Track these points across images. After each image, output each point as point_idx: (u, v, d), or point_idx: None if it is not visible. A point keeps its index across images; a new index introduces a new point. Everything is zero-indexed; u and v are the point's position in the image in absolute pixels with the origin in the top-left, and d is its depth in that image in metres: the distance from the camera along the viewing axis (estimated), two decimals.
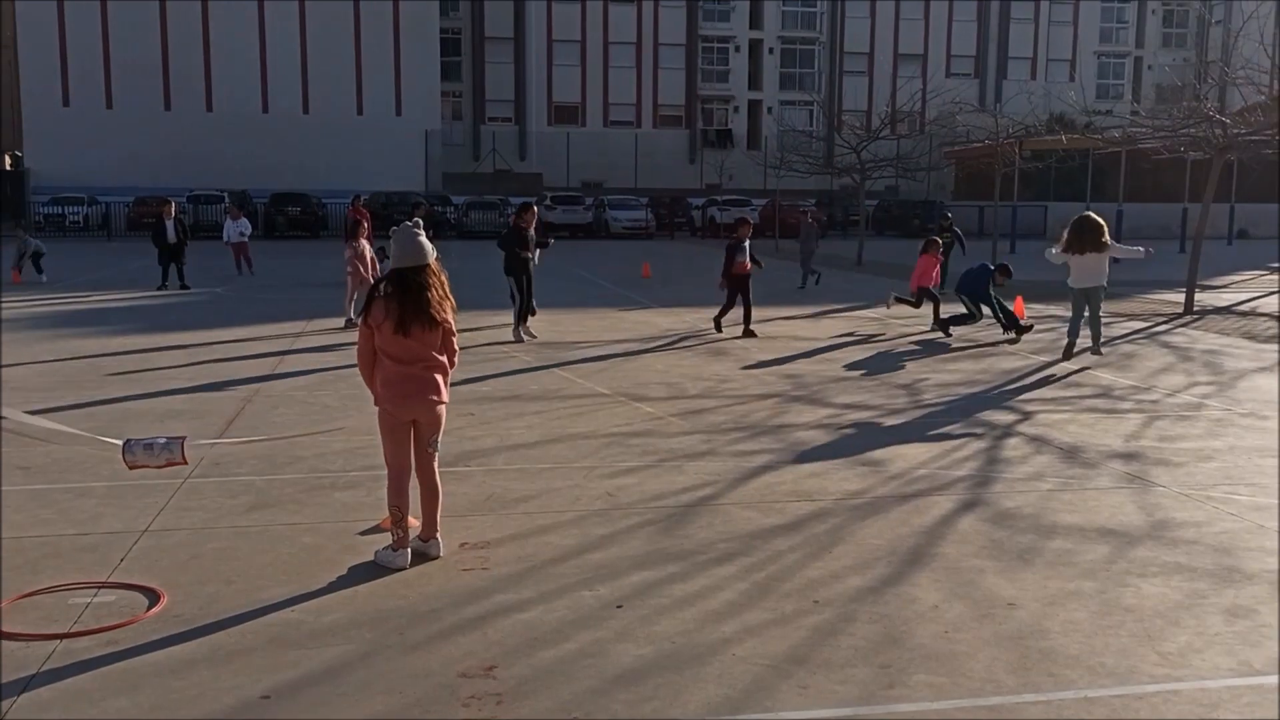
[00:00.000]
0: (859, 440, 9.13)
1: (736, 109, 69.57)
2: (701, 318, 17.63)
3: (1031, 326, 15.66)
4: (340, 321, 16.41)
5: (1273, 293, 23.80)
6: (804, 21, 69.33)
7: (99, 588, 5.55)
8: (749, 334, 15.57)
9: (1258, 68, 22.28)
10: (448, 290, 6.05)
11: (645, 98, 67.17)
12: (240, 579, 5.70)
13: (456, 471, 7.76)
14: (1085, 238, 13.35)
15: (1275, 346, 15.22)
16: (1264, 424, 9.97)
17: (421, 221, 6.30)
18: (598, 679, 4.57)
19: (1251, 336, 16.31)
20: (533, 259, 15.34)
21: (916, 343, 15.37)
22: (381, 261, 15.91)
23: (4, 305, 18.82)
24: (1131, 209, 41.64)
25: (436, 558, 6.05)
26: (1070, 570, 5.94)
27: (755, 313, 15.94)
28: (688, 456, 8.49)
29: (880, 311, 19.22)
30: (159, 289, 22.13)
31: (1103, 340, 13.77)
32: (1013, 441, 9.13)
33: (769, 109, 68.34)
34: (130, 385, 11.44)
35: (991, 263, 16.95)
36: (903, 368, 13.15)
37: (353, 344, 6.70)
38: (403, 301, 5.84)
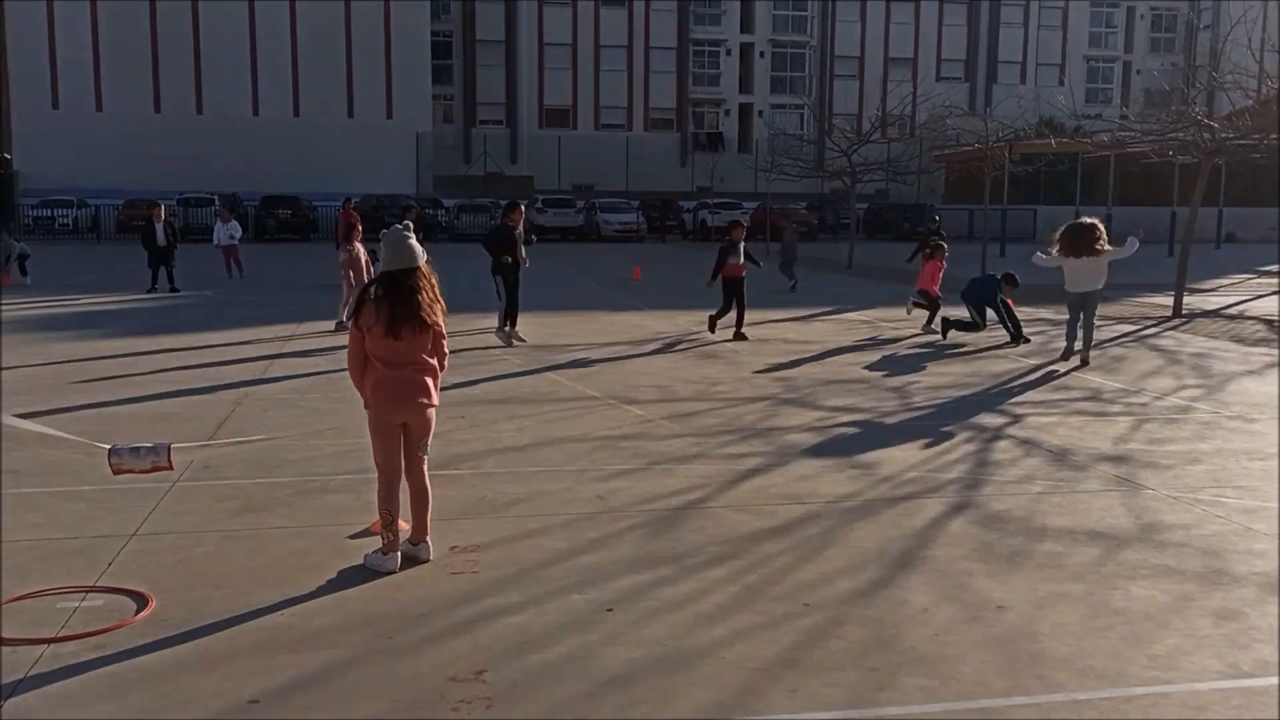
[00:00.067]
0: (850, 443, 9.14)
1: (727, 112, 69.64)
2: (692, 320, 17.64)
3: (1029, 340, 15.62)
4: (331, 324, 16.38)
5: (1261, 296, 23.89)
6: (795, 25, 69.43)
7: (87, 591, 5.53)
8: (740, 337, 15.58)
9: (1245, 72, 22.37)
10: (438, 293, 6.05)
11: (636, 101, 67.20)
12: (229, 583, 5.68)
13: (447, 475, 7.75)
14: (1081, 242, 13.36)
15: (1263, 349, 15.27)
16: (1251, 427, 10.01)
17: (412, 224, 6.30)
18: (588, 683, 4.57)
19: (1240, 340, 16.37)
20: (523, 260, 15.19)
21: (908, 346, 15.39)
22: (375, 264, 15.87)
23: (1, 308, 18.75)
24: (1120, 212, 41.69)
25: (426, 561, 6.04)
26: (1060, 573, 5.95)
27: (746, 316, 15.94)
28: (678, 459, 8.49)
29: (871, 314, 19.25)
30: (148, 292, 22.07)
31: (1092, 345, 13.81)
32: (1002, 444, 9.15)
33: (760, 112, 68.43)
34: (119, 389, 11.40)
35: (984, 268, 16.97)
36: (893, 371, 13.17)
37: (343, 347, 6.69)
38: (393, 304, 5.83)
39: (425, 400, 5.97)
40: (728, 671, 4.68)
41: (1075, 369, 13.23)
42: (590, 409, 10.53)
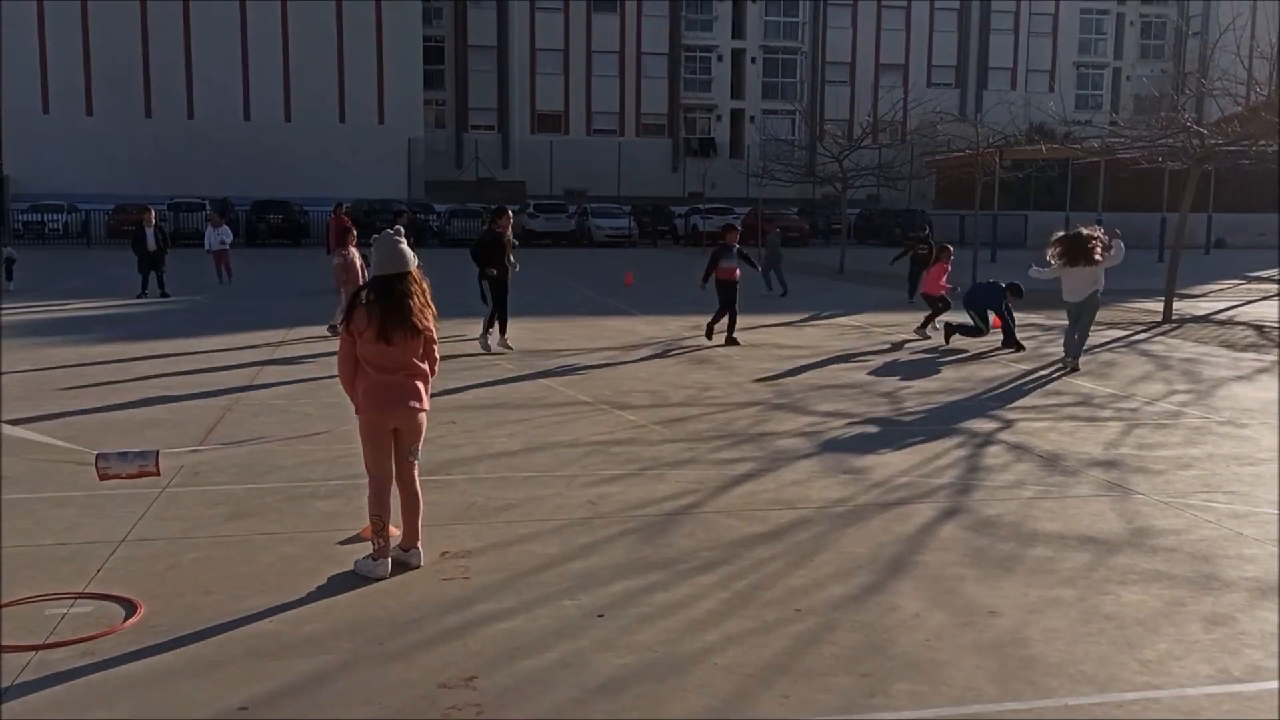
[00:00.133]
0: (841, 448, 9.14)
1: (719, 118, 69.72)
2: (684, 325, 17.65)
3: (1024, 347, 15.62)
4: (324, 329, 16.34)
5: (1250, 301, 23.96)
6: (786, 31, 69.57)
7: (76, 598, 5.51)
8: (732, 342, 15.58)
9: (1234, 79, 22.45)
10: (429, 298, 6.04)
11: (628, 106, 67.26)
12: (219, 589, 5.66)
13: (438, 480, 7.74)
14: (1079, 252, 13.46)
15: (1253, 355, 15.31)
16: (1242, 432, 10.03)
17: (403, 229, 6.29)
18: (579, 689, 4.56)
19: (1230, 345, 16.41)
20: (512, 264, 15.03)
21: (899, 351, 15.40)
22: (368, 269, 15.82)
23: None
24: (1110, 218, 41.71)
25: (417, 567, 6.02)
26: (1051, 578, 5.95)
27: (738, 321, 15.93)
28: (670, 465, 8.48)
29: (862, 319, 19.27)
30: (139, 297, 22.02)
31: (1082, 352, 13.84)
32: (993, 449, 9.16)
33: (751, 118, 68.49)
34: (109, 394, 11.37)
35: (975, 274, 16.96)
36: (885, 375, 13.18)
37: (333, 353, 6.68)
38: (385, 309, 5.82)
39: (417, 405, 5.96)
40: (719, 677, 4.67)
41: (1067, 374, 13.26)
42: (582, 414, 10.52)
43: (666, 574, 5.97)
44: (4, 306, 19.98)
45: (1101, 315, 19.41)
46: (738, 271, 15.82)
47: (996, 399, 11.66)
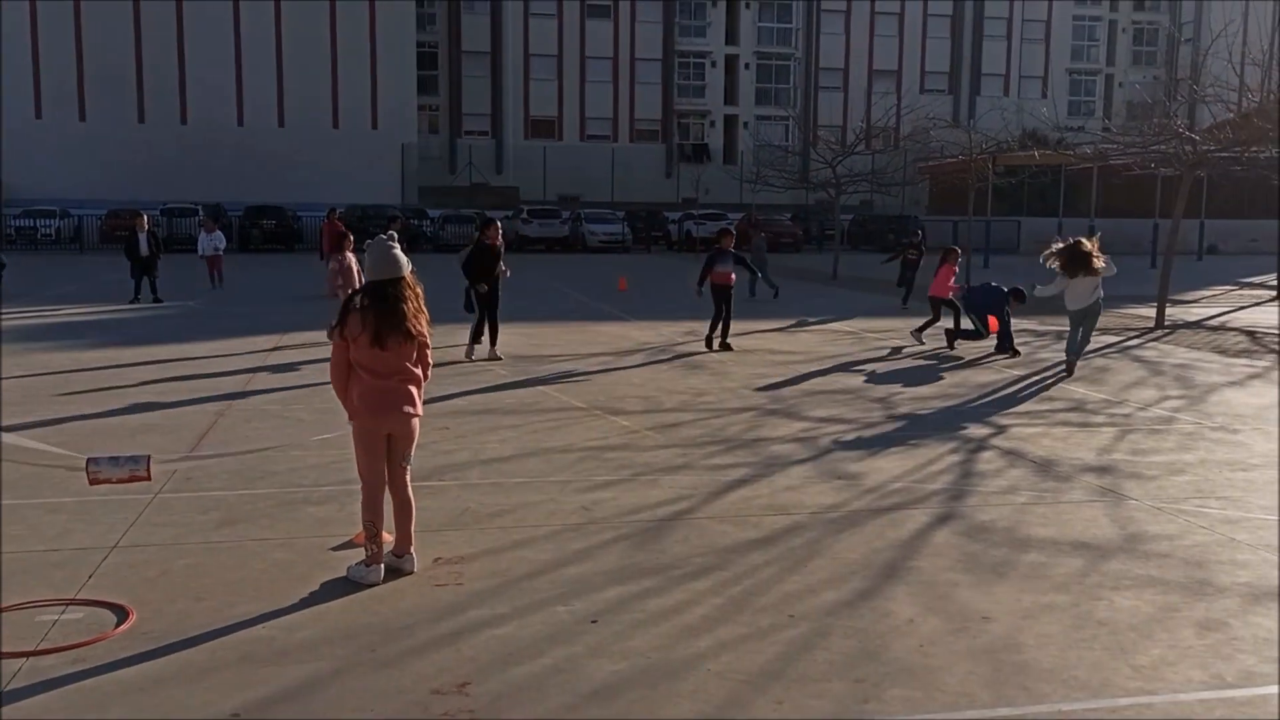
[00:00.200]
0: (834, 454, 9.14)
1: (713, 124, 69.79)
2: (678, 331, 17.65)
3: (1019, 352, 15.65)
4: (322, 333, 16.29)
5: (1243, 307, 24.01)
6: (779, 38, 69.66)
7: (67, 604, 5.49)
8: (725, 347, 15.58)
9: (1226, 85, 22.54)
10: (423, 303, 6.05)
11: (622, 112, 67.30)
12: (211, 595, 5.65)
13: (430, 486, 7.72)
14: (1077, 264, 13.63)
15: (1245, 361, 15.34)
16: (1234, 438, 10.05)
17: (396, 234, 6.29)
18: (572, 695, 4.55)
19: (1222, 351, 16.45)
20: (503, 271, 14.82)
21: (892, 356, 15.41)
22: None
23: None
24: (1103, 224, 41.82)
25: (410, 573, 6.01)
26: (1044, 584, 5.95)
27: (731, 326, 15.93)
28: (663, 470, 8.47)
29: (856, 324, 19.28)
30: (131, 302, 21.97)
31: (1081, 355, 13.93)
32: (987, 455, 9.17)
33: (745, 124, 68.60)
34: (101, 400, 11.34)
35: (968, 279, 16.93)
36: (878, 381, 13.19)
37: (327, 358, 6.67)
38: (379, 314, 5.82)
39: (410, 409, 5.96)
40: (713, 683, 4.67)
41: (1066, 377, 13.30)
42: (575, 420, 10.52)
43: (660, 580, 5.96)
44: (1, 312, 19.94)
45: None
46: (733, 276, 15.83)
47: (990, 404, 11.67)
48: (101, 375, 12.96)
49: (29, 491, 7.53)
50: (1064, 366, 13.94)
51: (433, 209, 50.90)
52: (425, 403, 6.25)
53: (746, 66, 69.46)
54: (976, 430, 10.21)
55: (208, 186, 50.40)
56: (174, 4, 53.36)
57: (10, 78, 51.85)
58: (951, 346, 15.91)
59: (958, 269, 17.04)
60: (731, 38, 69.01)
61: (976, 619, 5.43)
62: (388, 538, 6.09)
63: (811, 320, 20.06)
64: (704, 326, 15.98)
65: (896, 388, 12.70)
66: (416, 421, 6.05)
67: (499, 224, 15.10)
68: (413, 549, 6.09)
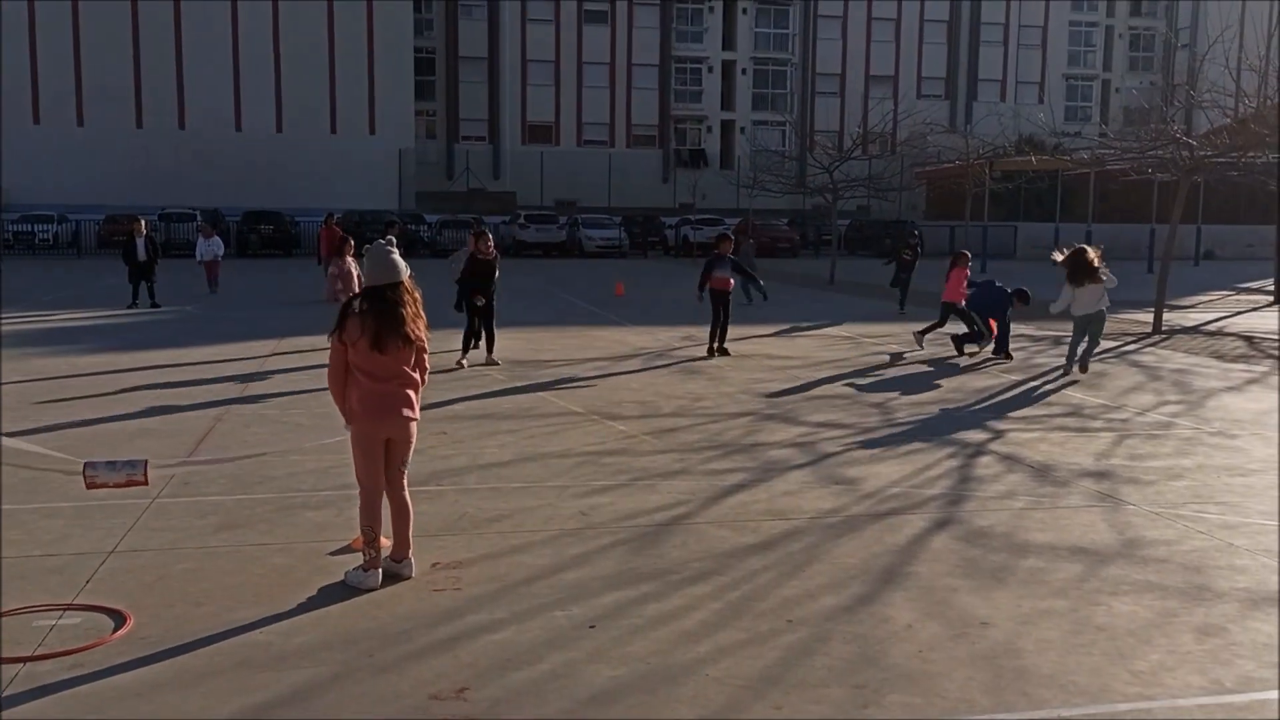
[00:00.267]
0: (832, 459, 9.14)
1: (710, 129, 69.90)
2: (675, 336, 17.65)
3: (1011, 356, 15.66)
4: (319, 339, 16.28)
5: (1240, 312, 24.03)
6: (776, 43, 69.79)
7: (64, 610, 5.47)
8: (723, 352, 15.58)
9: (1223, 91, 22.57)
10: (420, 308, 6.05)
11: (619, 117, 67.39)
12: (209, 600, 5.64)
13: (428, 491, 7.72)
14: (1081, 272, 13.90)
15: (1242, 366, 15.35)
16: (1232, 443, 10.05)
17: (395, 240, 6.29)
18: (571, 700, 4.54)
19: (1219, 356, 16.45)
20: (495, 288, 14.53)
21: (890, 361, 15.41)
22: None
23: None
24: (1100, 230, 42.03)
25: (408, 578, 6.00)
26: (1043, 589, 5.95)
27: (728, 331, 15.93)
28: (661, 475, 8.47)
29: (853, 329, 19.29)
30: (129, 307, 21.96)
31: (1087, 359, 14.05)
32: (985, 460, 9.16)
33: (742, 129, 68.74)
34: (99, 405, 11.33)
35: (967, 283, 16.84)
36: (876, 386, 13.19)
37: (324, 365, 6.66)
38: (378, 318, 5.83)
39: (409, 413, 5.97)
40: (712, 689, 4.66)
41: (1071, 382, 13.33)
42: (573, 424, 10.51)
43: (658, 585, 5.95)
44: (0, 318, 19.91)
45: None
46: (731, 281, 15.82)
47: (987, 409, 11.67)
48: (99, 380, 12.94)
49: (26, 496, 7.51)
50: (1061, 370, 14.00)
51: (430, 214, 50.98)
52: (423, 408, 6.25)
53: (743, 72, 69.57)
54: (974, 435, 10.21)
55: (206, 192, 50.44)
56: (172, 11, 53.43)
57: (9, 84, 51.88)
58: (961, 353, 15.85)
59: (969, 273, 16.96)
60: (728, 43, 69.13)
61: (975, 624, 5.42)
62: (386, 543, 6.08)
63: (815, 324, 20.07)
64: (700, 331, 15.99)
65: (894, 392, 12.70)
66: (414, 425, 6.05)
67: (489, 234, 14.90)
68: (411, 554, 6.08)
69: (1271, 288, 27.31)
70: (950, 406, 11.80)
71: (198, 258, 26.80)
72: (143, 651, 4.97)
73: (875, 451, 9.45)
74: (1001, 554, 6.55)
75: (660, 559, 6.41)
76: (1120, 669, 4.91)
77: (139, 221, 23.36)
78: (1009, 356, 15.46)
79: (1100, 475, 8.66)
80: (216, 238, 27.14)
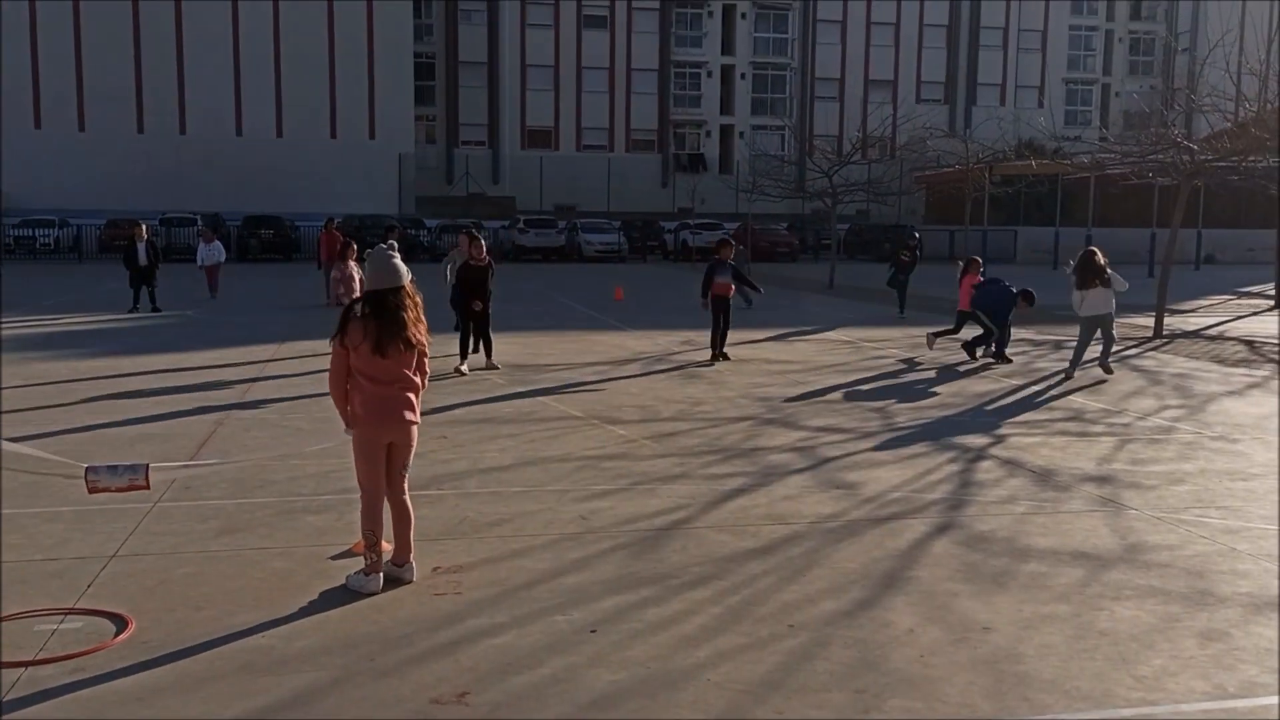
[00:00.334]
0: (833, 463, 9.13)
1: (709, 133, 69.94)
2: (674, 340, 17.65)
3: (1011, 360, 15.66)
4: (319, 343, 16.27)
5: (1241, 317, 24.03)
6: (775, 47, 69.84)
7: (65, 614, 5.47)
8: (723, 356, 15.56)
9: (1223, 95, 22.57)
10: (421, 312, 6.06)
11: (618, 122, 67.44)
12: (209, 604, 5.63)
13: (429, 495, 7.71)
14: (1088, 275, 14.07)
15: (1244, 370, 15.35)
16: (1234, 447, 10.04)
17: (396, 244, 6.30)
18: (571, 705, 4.54)
19: (1220, 360, 16.45)
20: (491, 291, 14.44)
21: (890, 365, 15.40)
22: None
23: None
24: (1100, 234, 42.05)
25: (409, 582, 6.00)
26: (1045, 594, 5.94)
27: (728, 336, 15.92)
28: (661, 480, 8.46)
29: (852, 334, 19.28)
30: (129, 312, 21.96)
31: (1107, 360, 14.29)
32: (985, 464, 9.16)
33: (741, 133, 68.78)
34: (101, 408, 11.33)
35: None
36: (876, 390, 13.18)
37: (324, 370, 6.67)
38: (380, 323, 5.84)
39: (410, 416, 5.98)
40: (712, 693, 4.65)
41: (1077, 388, 13.33)
42: (573, 429, 10.51)
43: (658, 589, 5.95)
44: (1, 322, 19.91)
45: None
46: (732, 287, 15.81)
47: (988, 414, 11.67)
48: (100, 384, 12.94)
49: (27, 500, 7.51)
50: (1063, 375, 14.07)
51: (430, 219, 50.98)
52: (423, 412, 6.26)
53: (743, 76, 69.63)
54: (975, 439, 10.20)
55: (206, 196, 50.47)
56: (173, 15, 53.47)
57: (10, 88, 51.91)
58: (973, 357, 15.82)
59: (981, 278, 16.96)
60: (728, 48, 69.19)
61: (977, 629, 5.41)
62: (387, 547, 6.08)
63: (805, 330, 20.06)
64: (699, 336, 15.98)
65: (894, 397, 12.70)
66: (415, 429, 6.06)
67: (482, 240, 14.74)
68: (412, 558, 6.08)
69: (1272, 292, 27.32)
70: (950, 411, 11.80)
71: (199, 262, 26.78)
72: (144, 656, 4.97)
73: (875, 456, 9.45)
74: (1003, 559, 6.54)
75: (660, 563, 6.40)
76: (1123, 674, 4.90)
77: (140, 226, 23.38)
78: (1007, 360, 15.46)
79: (1102, 480, 8.65)
80: (217, 242, 27.13)
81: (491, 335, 14.60)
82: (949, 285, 20.55)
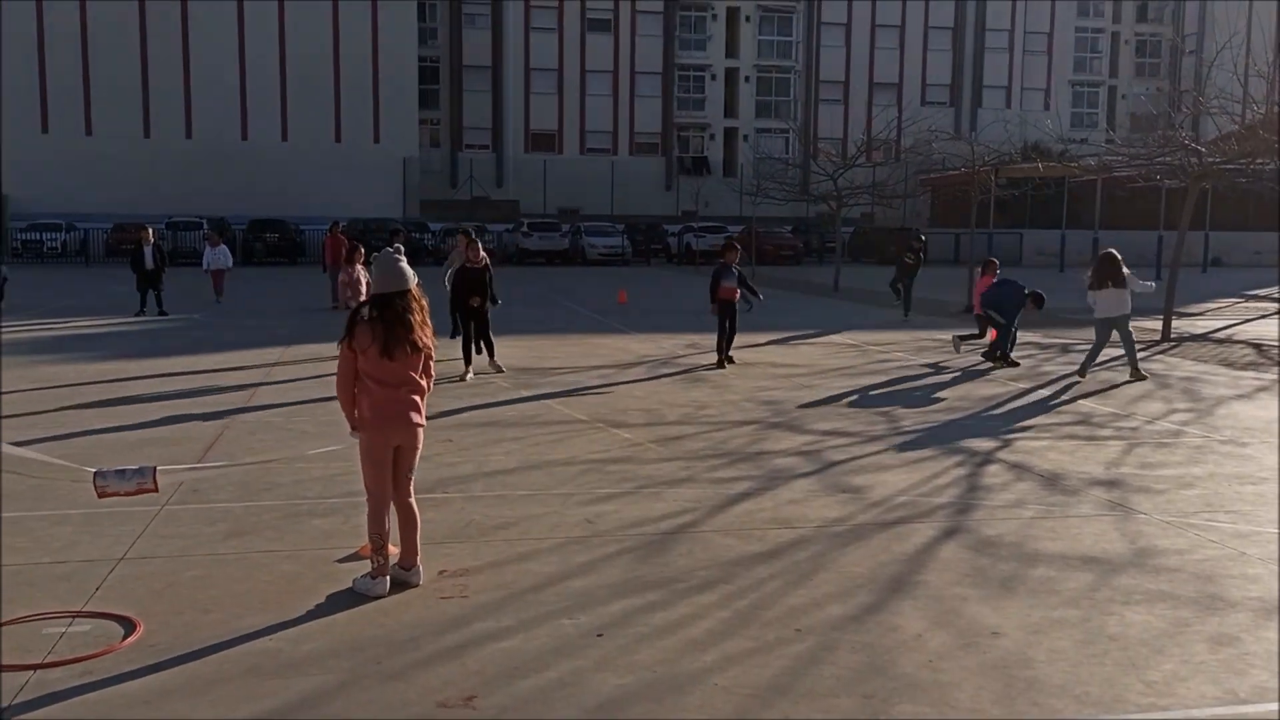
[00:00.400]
0: (839, 467, 9.11)
1: (713, 136, 69.85)
2: (679, 344, 17.64)
3: (1017, 364, 15.63)
4: (326, 346, 16.27)
5: (1249, 320, 23.99)
6: (779, 50, 69.77)
7: (74, 617, 5.47)
8: (728, 360, 15.54)
9: (1231, 97, 22.53)
10: (427, 315, 6.08)
11: (622, 125, 67.38)
12: (217, 607, 5.63)
13: (435, 498, 7.71)
14: (1104, 274, 14.25)
15: (1252, 373, 15.32)
16: (1243, 451, 10.02)
17: (402, 247, 6.31)
18: (578, 709, 4.53)
19: (1229, 363, 16.42)
20: (492, 294, 14.36)
21: (895, 368, 15.38)
22: None
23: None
24: (1107, 237, 41.98)
25: (416, 585, 5.99)
26: (1054, 598, 5.92)
27: (734, 339, 15.89)
28: (667, 483, 8.45)
29: (857, 337, 19.26)
30: (136, 315, 21.99)
31: (1135, 362, 14.55)
32: (993, 468, 9.13)
33: (745, 136, 68.67)
34: (107, 412, 11.33)
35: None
36: (882, 394, 13.16)
37: (331, 374, 6.67)
38: (387, 326, 5.86)
39: (416, 418, 6.00)
40: (719, 698, 4.64)
41: (1087, 393, 13.32)
42: (578, 432, 10.50)
43: (665, 593, 5.93)
44: (2, 325, 19.93)
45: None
46: (737, 291, 15.77)
47: (995, 418, 11.65)
48: (107, 388, 12.95)
49: (34, 503, 7.51)
50: (1079, 370, 14.24)
51: (434, 222, 51.02)
52: (429, 416, 6.26)
53: (747, 79, 69.53)
54: (982, 443, 10.18)
55: (212, 200, 50.51)
56: (179, 20, 53.53)
57: (16, 92, 51.97)
58: (997, 363, 15.73)
59: (996, 276, 16.97)
60: (732, 51, 69.12)
61: (986, 634, 5.40)
62: (393, 550, 6.08)
63: (810, 333, 20.04)
64: (704, 339, 15.96)
65: (900, 401, 12.68)
66: (421, 431, 6.07)
67: (479, 243, 14.62)
68: (419, 561, 6.08)
69: (1278, 295, 27.25)
70: (957, 415, 11.78)
71: (205, 266, 26.81)
72: (152, 659, 4.97)
73: (882, 460, 9.43)
74: (1011, 563, 6.53)
75: (666, 567, 6.39)
76: (1133, 679, 4.88)
77: (146, 230, 23.38)
78: (1014, 363, 15.43)
79: (1110, 484, 8.63)
80: (224, 246, 27.18)
81: (492, 336, 14.56)
82: (954, 288, 20.54)
